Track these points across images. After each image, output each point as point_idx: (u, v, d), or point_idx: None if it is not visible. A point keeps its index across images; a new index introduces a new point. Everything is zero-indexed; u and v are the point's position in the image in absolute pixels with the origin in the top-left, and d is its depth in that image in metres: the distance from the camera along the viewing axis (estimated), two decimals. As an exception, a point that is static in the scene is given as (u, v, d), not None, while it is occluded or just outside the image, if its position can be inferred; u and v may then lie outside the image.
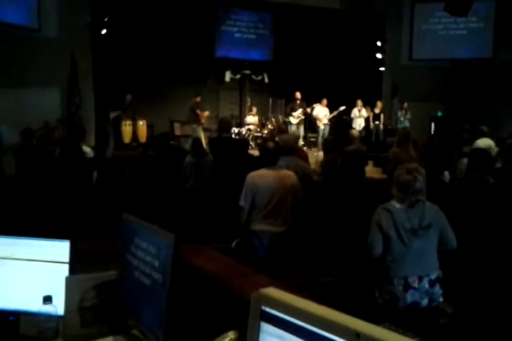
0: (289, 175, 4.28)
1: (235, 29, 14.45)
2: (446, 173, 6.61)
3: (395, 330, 0.96)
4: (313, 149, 12.32)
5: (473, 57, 14.17)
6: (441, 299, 3.13)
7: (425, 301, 3.06)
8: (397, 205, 3.10)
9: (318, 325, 0.90)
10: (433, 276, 3.10)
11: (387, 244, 3.10)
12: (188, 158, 6.49)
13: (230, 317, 1.55)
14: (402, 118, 13.11)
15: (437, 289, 3.11)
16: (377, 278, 3.16)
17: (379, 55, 14.04)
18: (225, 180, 5.84)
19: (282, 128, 10.61)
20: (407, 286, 3.04)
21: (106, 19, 11.40)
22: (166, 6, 12.44)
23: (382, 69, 14.37)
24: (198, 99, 11.66)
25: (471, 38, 14.39)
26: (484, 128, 8.44)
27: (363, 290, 3.36)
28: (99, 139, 11.21)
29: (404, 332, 1.18)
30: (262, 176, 4.17)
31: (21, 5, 10.26)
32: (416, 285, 3.05)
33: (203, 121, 11.59)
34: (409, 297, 3.04)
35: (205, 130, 11.88)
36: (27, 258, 1.87)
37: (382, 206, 3.16)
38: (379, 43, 13.94)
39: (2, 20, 9.64)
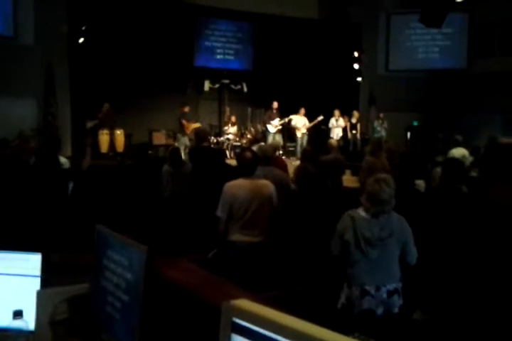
0: (266, 184, 4.28)
1: (214, 38, 14.49)
2: (421, 182, 6.70)
3: (366, 340, 0.96)
4: (291, 158, 12.37)
5: (448, 67, 14.46)
6: (396, 310, 3.12)
7: (380, 310, 3.07)
8: (362, 213, 3.14)
9: (290, 337, 0.89)
10: (391, 287, 3.10)
11: (346, 250, 3.14)
12: (166, 167, 6.46)
13: (202, 328, 1.53)
14: (378, 128, 13.28)
15: (395, 300, 3.11)
16: (339, 282, 3.19)
17: (356, 66, 14.22)
18: (203, 190, 5.81)
19: (258, 137, 10.66)
20: (364, 293, 3.06)
21: (83, 28, 11.32)
22: (144, 15, 12.41)
23: (359, 79, 14.55)
24: (186, 108, 11.64)
25: (445, 48, 14.68)
26: (459, 137, 8.59)
27: (327, 298, 3.38)
28: (76, 149, 11.08)
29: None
30: (239, 186, 4.16)
31: (-4, 12, 10.16)
32: (373, 292, 3.06)
33: (188, 131, 11.52)
34: (365, 304, 3.06)
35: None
36: (-3, 271, 1.83)
37: (348, 212, 3.21)
38: (356, 54, 14.12)
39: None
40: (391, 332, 3.02)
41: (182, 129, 11.56)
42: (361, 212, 3.15)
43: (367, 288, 3.06)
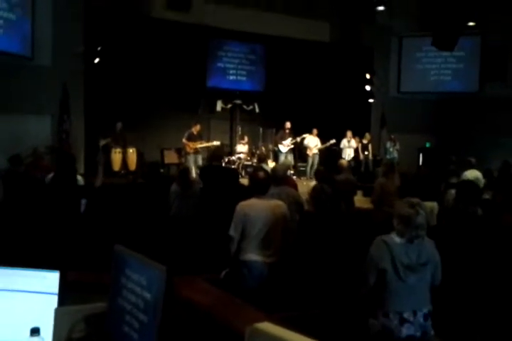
0: (279, 204, 4.27)
1: (227, 60, 14.68)
2: (435, 204, 6.65)
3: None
4: (302, 178, 12.38)
5: (460, 90, 14.49)
6: (432, 332, 3.12)
7: (419, 334, 3.05)
8: (397, 239, 3.05)
9: (314, 361, 0.89)
10: (426, 310, 3.09)
11: (383, 278, 3.07)
12: (174, 187, 6.45)
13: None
14: (391, 149, 13.27)
15: (429, 322, 3.10)
16: (373, 309, 3.13)
17: (368, 87, 14.30)
18: (215, 209, 5.81)
19: (262, 157, 10.68)
20: (403, 320, 3.02)
21: (99, 48, 11.53)
22: (158, 36, 12.63)
23: (371, 100, 14.61)
24: (195, 129, 11.59)
25: (457, 71, 14.73)
26: (472, 159, 8.55)
27: (351, 323, 3.33)
28: (89, 167, 11.17)
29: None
30: (252, 206, 4.16)
31: (15, 33, 10.34)
32: (411, 319, 3.03)
33: (190, 151, 11.53)
34: (405, 331, 3.02)
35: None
36: (15, 288, 1.83)
37: (381, 238, 3.11)
38: (368, 76, 14.21)
39: (-4, 48, 9.72)
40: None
41: (184, 148, 11.63)
42: (395, 238, 3.07)
43: (405, 315, 3.02)
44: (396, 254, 3.02)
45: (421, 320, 3.05)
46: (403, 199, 3.22)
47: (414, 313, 3.04)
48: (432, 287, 3.16)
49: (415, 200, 3.10)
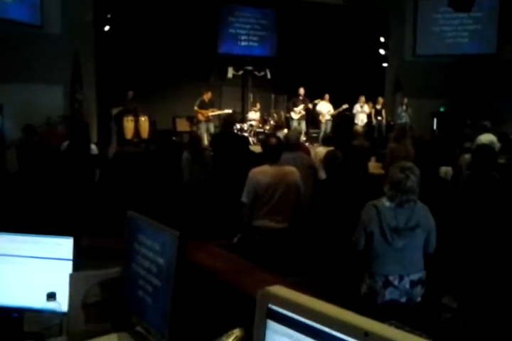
0: (291, 171, 4.26)
1: (238, 25, 14.42)
2: (449, 169, 6.59)
3: (402, 328, 0.95)
4: (315, 145, 12.30)
5: (477, 52, 14.11)
6: (419, 298, 3.10)
7: (403, 299, 3.06)
8: (387, 203, 3.07)
9: (326, 324, 0.89)
10: (415, 277, 3.08)
11: (369, 241, 3.09)
12: (185, 154, 6.49)
13: (236, 314, 1.54)
14: (402, 114, 13.07)
15: (418, 290, 3.09)
16: (361, 271, 3.16)
17: (382, 51, 13.99)
18: (227, 176, 5.83)
19: (279, 123, 10.62)
20: (387, 284, 3.04)
21: (109, 16, 11.38)
22: (168, 2, 12.41)
23: (385, 65, 14.32)
24: (206, 96, 11.49)
25: (474, 33, 14.32)
26: (487, 123, 8.41)
27: (348, 286, 3.36)
28: (102, 136, 11.21)
29: (411, 330, 1.17)
30: (264, 172, 4.16)
31: (24, 2, 10.23)
32: (396, 283, 3.04)
33: (202, 119, 11.49)
34: (388, 294, 3.04)
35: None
36: (30, 255, 1.86)
37: (372, 202, 3.14)
38: (382, 39, 13.89)
39: (5, 17, 9.61)
40: (420, 317, 3.00)
41: (196, 116, 11.59)
42: (385, 202, 3.08)
43: (390, 278, 3.03)
44: (384, 217, 3.03)
45: (407, 285, 3.04)
46: (396, 163, 3.19)
47: (401, 278, 3.04)
48: (425, 254, 3.14)
49: (407, 165, 3.09)
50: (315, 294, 1.13)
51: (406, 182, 2.98)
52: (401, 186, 2.99)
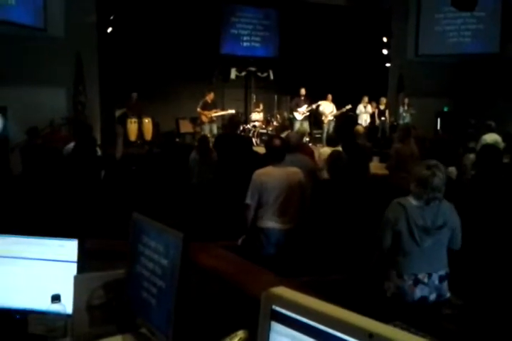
0: (295, 172, 4.26)
1: (240, 26, 14.41)
2: (453, 169, 6.57)
3: (407, 329, 0.95)
4: (318, 145, 12.29)
5: (480, 52, 14.06)
6: (448, 294, 3.13)
7: (433, 296, 3.07)
8: (413, 201, 3.04)
9: (331, 325, 0.88)
10: (442, 273, 3.09)
11: (397, 240, 3.07)
12: (193, 155, 6.51)
13: (240, 315, 1.54)
14: (404, 114, 13.04)
15: (445, 284, 3.11)
16: (387, 271, 3.14)
17: (385, 51, 13.97)
18: (230, 177, 5.83)
19: (285, 124, 10.62)
20: (417, 282, 3.03)
21: (111, 17, 11.40)
22: (170, 3, 12.43)
23: (388, 64, 14.30)
24: (209, 97, 11.56)
25: (477, 32, 14.28)
26: (492, 123, 8.38)
27: (370, 287, 3.35)
28: (105, 138, 11.23)
29: (415, 332, 1.17)
30: (268, 174, 4.16)
31: (28, 5, 10.25)
32: (426, 280, 3.04)
33: (206, 120, 11.52)
34: (418, 292, 3.04)
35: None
36: (35, 257, 1.87)
37: (397, 201, 3.09)
38: (385, 39, 13.86)
39: (9, 19, 9.64)
40: (427, 316, 3.00)
41: (199, 118, 11.60)
42: (412, 200, 3.05)
43: (419, 276, 3.03)
44: (411, 216, 3.00)
45: (436, 282, 3.06)
46: (422, 161, 3.17)
47: (429, 275, 3.05)
48: (449, 251, 3.15)
49: (433, 162, 3.07)
50: (318, 295, 1.13)
51: (433, 179, 2.95)
52: (428, 183, 2.96)
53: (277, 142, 4.30)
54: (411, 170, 3.31)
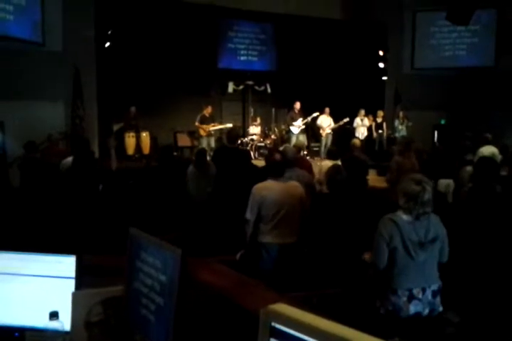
0: (295, 186, 4.26)
1: (237, 40, 14.54)
2: (451, 181, 6.59)
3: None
4: (316, 158, 12.32)
5: (476, 65, 14.18)
6: (440, 308, 3.13)
7: (426, 311, 3.07)
8: (404, 216, 3.04)
9: (330, 342, 0.88)
10: (435, 287, 3.10)
11: (392, 256, 3.06)
12: (191, 168, 6.49)
13: (238, 332, 1.53)
14: (399, 127, 13.09)
15: (438, 299, 3.11)
16: (380, 288, 3.13)
17: (381, 64, 14.08)
18: (229, 191, 5.82)
19: (285, 138, 10.66)
20: (412, 297, 3.03)
21: (109, 32, 11.48)
22: (168, 18, 12.53)
23: (384, 78, 14.40)
24: (207, 111, 11.65)
25: (472, 46, 14.41)
26: (488, 135, 8.43)
27: (366, 302, 3.33)
28: (103, 152, 11.24)
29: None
30: (268, 188, 4.15)
31: (25, 19, 10.31)
32: (420, 296, 3.04)
33: (204, 134, 11.58)
34: (413, 308, 3.03)
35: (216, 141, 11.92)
36: (32, 273, 1.86)
37: (388, 217, 3.09)
38: (381, 52, 13.98)
39: (7, 34, 9.70)
40: (421, 331, 2.99)
41: (197, 131, 11.64)
42: (403, 215, 3.05)
43: (414, 292, 3.02)
44: (405, 232, 3.01)
45: (429, 297, 3.06)
46: (407, 176, 3.18)
47: (423, 290, 3.05)
48: (439, 263, 3.14)
49: (419, 177, 3.08)
50: (317, 311, 1.13)
51: (424, 194, 2.97)
52: (418, 199, 2.97)
53: (278, 156, 4.31)
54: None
